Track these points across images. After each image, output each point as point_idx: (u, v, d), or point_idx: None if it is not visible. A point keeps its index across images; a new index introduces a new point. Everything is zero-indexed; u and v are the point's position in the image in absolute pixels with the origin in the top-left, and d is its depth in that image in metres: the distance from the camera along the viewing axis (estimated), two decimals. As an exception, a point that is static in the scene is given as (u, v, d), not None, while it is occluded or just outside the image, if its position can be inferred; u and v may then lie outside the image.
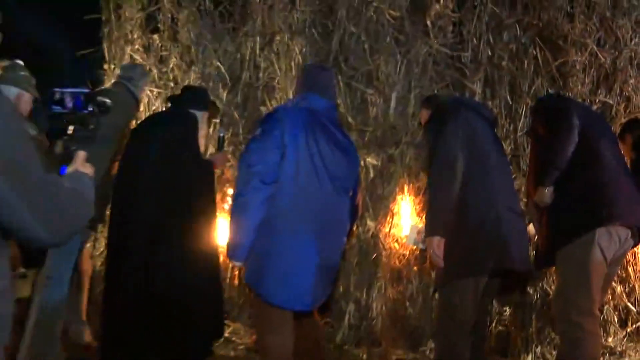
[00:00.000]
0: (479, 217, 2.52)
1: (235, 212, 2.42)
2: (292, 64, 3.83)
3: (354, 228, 3.69)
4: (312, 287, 2.39)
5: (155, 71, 4.18)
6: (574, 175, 2.64)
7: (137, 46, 4.29)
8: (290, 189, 2.39)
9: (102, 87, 3.32)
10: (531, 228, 2.88)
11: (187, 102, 3.06)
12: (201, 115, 3.05)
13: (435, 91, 3.85)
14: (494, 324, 3.61)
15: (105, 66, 4.42)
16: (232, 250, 2.41)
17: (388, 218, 3.74)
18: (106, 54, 4.41)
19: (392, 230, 3.75)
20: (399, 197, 3.76)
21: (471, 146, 2.57)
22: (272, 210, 2.38)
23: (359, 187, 2.81)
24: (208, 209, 2.82)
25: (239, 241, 2.39)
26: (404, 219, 3.76)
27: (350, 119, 3.71)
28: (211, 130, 3.74)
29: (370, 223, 3.70)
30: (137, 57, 4.24)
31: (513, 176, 3.76)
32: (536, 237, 2.92)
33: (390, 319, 3.71)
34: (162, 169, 2.78)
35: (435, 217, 2.54)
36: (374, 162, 3.69)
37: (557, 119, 2.67)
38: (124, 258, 2.76)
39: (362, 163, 3.69)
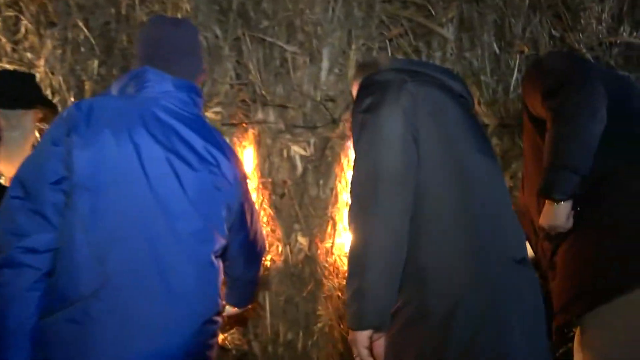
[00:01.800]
0: (447, 293, 1.38)
1: None
2: (179, 15, 2.66)
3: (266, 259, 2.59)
4: None
5: (4, 40, 3.02)
6: (611, 185, 1.54)
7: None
8: (84, 256, 1.34)
9: None
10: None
11: None
12: (14, 116, 2.01)
13: (388, 42, 2.68)
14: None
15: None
16: None
17: (328, 229, 2.63)
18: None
19: (334, 246, 2.65)
20: (341, 197, 2.64)
21: (431, 146, 1.45)
22: (54, 301, 1.34)
23: (251, 223, 1.71)
24: None
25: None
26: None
27: (264, 92, 2.56)
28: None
29: (301, 239, 2.59)
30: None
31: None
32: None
33: (340, 372, 2.65)
34: None
35: (363, 303, 1.39)
36: (302, 151, 2.56)
37: (569, 86, 1.55)
38: None
39: (284, 154, 2.57)
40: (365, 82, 1.60)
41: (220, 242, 1.52)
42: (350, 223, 1.46)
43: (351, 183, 1.49)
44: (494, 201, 1.47)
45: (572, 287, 1.57)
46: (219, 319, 1.51)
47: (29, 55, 2.97)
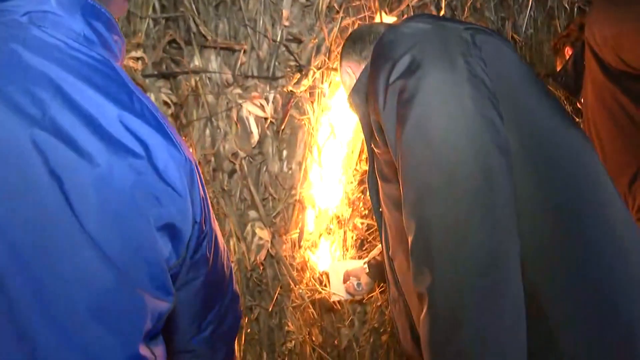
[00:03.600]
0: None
1: None
2: None
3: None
4: None
5: None
6: None
7: None
8: None
9: None
10: None
11: None
12: None
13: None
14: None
15: None
16: None
17: (295, 215, 1.97)
18: None
19: (303, 237, 2.00)
20: (312, 173, 1.98)
21: (514, 134, 0.85)
22: None
23: (214, 258, 0.95)
24: None
25: None
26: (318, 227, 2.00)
27: (202, 30, 1.82)
28: None
29: (260, 232, 1.91)
30: None
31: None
32: None
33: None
34: None
35: None
36: (259, 112, 1.86)
37: None
38: None
39: (233, 115, 1.87)
40: (387, 37, 0.94)
41: (158, 308, 0.79)
42: (430, 308, 0.80)
43: (405, 212, 0.84)
44: (609, 213, 0.87)
45: None
46: None
47: None
